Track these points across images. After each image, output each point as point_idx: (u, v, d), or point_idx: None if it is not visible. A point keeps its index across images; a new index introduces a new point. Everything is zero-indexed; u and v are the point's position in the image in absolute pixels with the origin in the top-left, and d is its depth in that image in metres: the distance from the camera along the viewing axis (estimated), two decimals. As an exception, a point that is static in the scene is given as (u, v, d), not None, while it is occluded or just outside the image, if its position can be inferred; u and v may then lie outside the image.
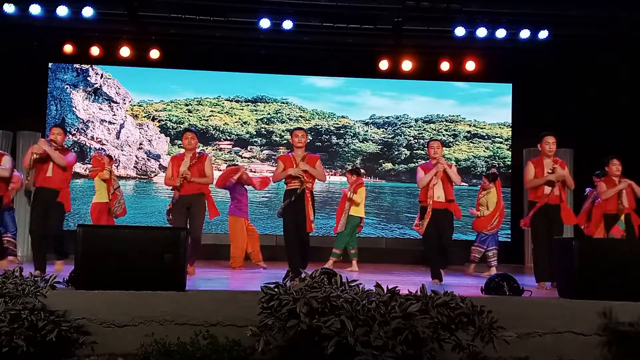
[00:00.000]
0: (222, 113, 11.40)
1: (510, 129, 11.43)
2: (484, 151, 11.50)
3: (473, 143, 11.56)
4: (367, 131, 11.55)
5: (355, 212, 8.56)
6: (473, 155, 11.49)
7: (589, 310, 4.69)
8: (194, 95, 11.41)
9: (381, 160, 11.55)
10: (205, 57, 10.87)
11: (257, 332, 3.88)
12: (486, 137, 11.55)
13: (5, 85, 9.84)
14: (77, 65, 10.99)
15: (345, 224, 8.54)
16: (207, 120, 11.31)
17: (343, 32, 9.59)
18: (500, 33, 9.26)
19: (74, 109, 11.00)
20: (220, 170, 10.81)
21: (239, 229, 8.30)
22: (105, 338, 4.37)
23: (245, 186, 8.46)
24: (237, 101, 11.52)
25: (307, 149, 6.79)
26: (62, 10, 8.79)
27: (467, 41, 9.58)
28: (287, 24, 9.14)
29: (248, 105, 11.53)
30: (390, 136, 11.55)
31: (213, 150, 11.14)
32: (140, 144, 11.19)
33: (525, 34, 9.29)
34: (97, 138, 11.03)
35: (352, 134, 11.50)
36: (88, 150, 10.96)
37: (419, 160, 10.97)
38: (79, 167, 10.91)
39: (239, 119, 11.42)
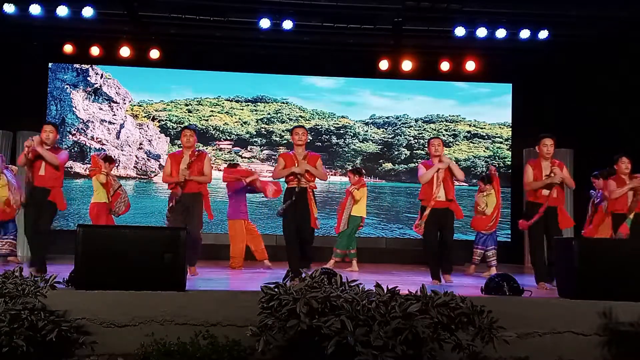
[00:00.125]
0: (222, 113, 11.40)
1: (510, 129, 11.43)
2: (484, 151, 11.50)
3: (473, 143, 11.56)
4: (367, 131, 11.55)
5: (356, 212, 8.57)
6: (473, 155, 11.49)
7: (589, 310, 4.69)
8: (194, 95, 11.41)
9: (381, 160, 11.55)
10: (205, 57, 10.88)
11: (257, 332, 3.88)
12: (486, 137, 11.55)
13: (5, 85, 9.84)
14: (77, 65, 10.99)
15: (346, 223, 8.55)
16: (207, 120, 11.31)
17: (343, 32, 9.59)
18: (500, 33, 9.26)
19: (74, 109, 11.00)
20: (221, 170, 10.83)
21: (239, 230, 8.32)
22: (105, 338, 4.37)
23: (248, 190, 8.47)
24: (237, 101, 11.52)
25: (307, 149, 6.78)
26: (62, 10, 8.80)
27: (467, 41, 9.59)
28: (287, 24, 9.14)
29: (248, 105, 11.53)
30: (390, 136, 11.55)
31: (213, 150, 11.14)
32: (140, 144, 11.19)
33: (525, 34, 9.30)
34: (97, 138, 11.03)
35: (352, 134, 11.50)
36: (88, 150, 10.96)
37: (419, 160, 10.95)
38: (79, 167, 10.92)
39: (239, 119, 11.42)
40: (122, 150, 11.08)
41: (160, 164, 11.11)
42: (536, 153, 6.59)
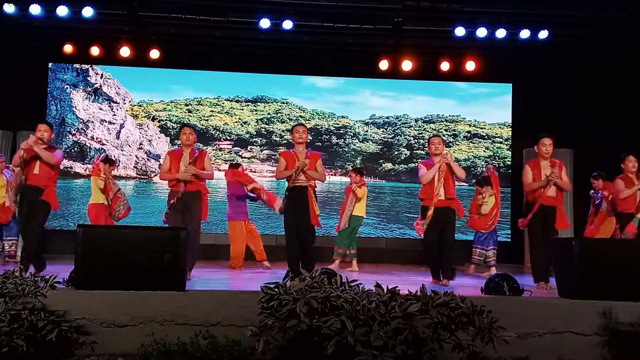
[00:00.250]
0: (222, 113, 11.40)
1: (510, 129, 11.44)
2: (484, 151, 11.51)
3: (473, 143, 11.56)
4: (367, 131, 11.55)
5: (358, 212, 8.58)
6: (473, 155, 11.49)
7: (589, 310, 4.69)
8: (194, 95, 11.41)
9: (381, 160, 11.55)
10: (205, 57, 10.88)
11: (257, 332, 3.88)
12: (486, 137, 11.55)
13: (5, 85, 9.84)
14: (77, 65, 10.99)
15: (347, 221, 8.56)
16: (207, 120, 11.31)
17: (343, 32, 9.59)
18: (500, 33, 9.27)
19: (74, 109, 11.00)
20: (221, 170, 10.83)
21: (239, 230, 8.33)
22: (105, 338, 4.37)
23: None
24: (237, 101, 11.52)
25: (308, 149, 6.75)
26: (62, 10, 8.80)
27: (467, 41, 9.59)
28: (287, 24, 9.14)
29: (248, 105, 11.53)
30: (390, 136, 11.55)
31: (213, 150, 11.14)
32: (140, 144, 11.19)
33: (525, 34, 9.30)
34: (97, 138, 11.03)
35: (352, 134, 11.50)
36: (88, 150, 10.96)
37: (419, 160, 10.95)
38: (79, 167, 10.92)
39: (239, 119, 11.42)
40: (122, 150, 11.08)
41: (160, 164, 11.12)
42: (536, 153, 6.59)
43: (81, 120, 11.01)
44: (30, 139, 6.37)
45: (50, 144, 6.58)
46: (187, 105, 11.37)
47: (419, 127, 11.58)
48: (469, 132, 11.60)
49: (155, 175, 11.05)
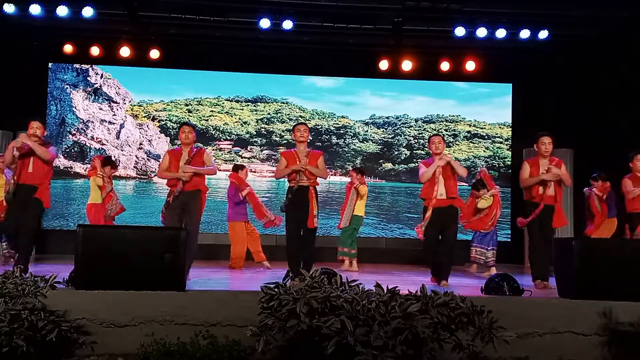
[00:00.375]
0: (222, 113, 11.40)
1: (510, 129, 11.44)
2: (484, 151, 11.51)
3: (473, 143, 11.56)
4: (367, 131, 11.55)
5: (359, 212, 8.59)
6: (473, 155, 11.49)
7: (589, 310, 4.69)
8: (194, 95, 11.41)
9: (381, 160, 11.55)
10: (205, 57, 10.88)
11: (257, 332, 3.88)
12: (486, 137, 11.55)
13: (5, 85, 9.84)
14: (77, 65, 10.99)
15: (349, 220, 8.55)
16: (207, 120, 11.31)
17: (343, 32, 9.58)
18: (500, 33, 9.26)
19: (74, 109, 11.00)
20: (220, 170, 10.82)
21: (239, 231, 8.34)
22: (105, 338, 4.37)
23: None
24: (237, 101, 11.52)
25: (308, 148, 6.74)
26: (62, 10, 8.79)
27: (467, 41, 9.58)
28: (287, 24, 9.14)
29: (248, 105, 11.53)
30: (390, 136, 11.55)
31: (213, 150, 11.14)
32: (140, 144, 11.19)
33: (525, 34, 9.30)
34: (97, 138, 11.03)
35: (352, 134, 11.50)
36: (88, 150, 10.96)
37: (419, 160, 10.96)
38: (79, 167, 10.92)
39: (239, 119, 11.42)
40: (122, 150, 11.08)
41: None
42: (536, 153, 6.59)
43: (81, 120, 11.01)
44: (22, 135, 6.25)
45: (43, 140, 6.44)
46: (187, 105, 11.37)
47: (419, 127, 11.58)
48: (469, 132, 11.60)
49: (155, 175, 11.03)
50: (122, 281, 4.59)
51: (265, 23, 9.10)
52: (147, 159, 11.17)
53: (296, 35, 9.81)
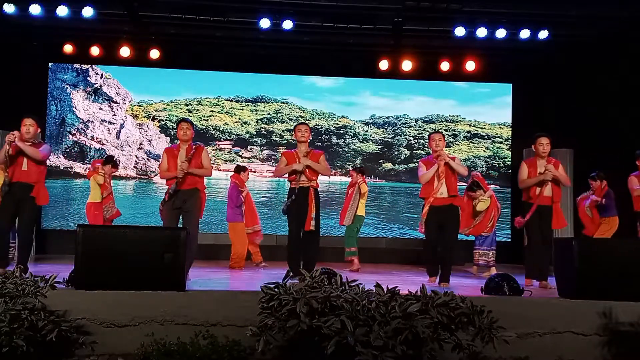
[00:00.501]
0: (222, 113, 11.40)
1: (510, 129, 11.44)
2: (484, 151, 11.51)
3: (473, 143, 11.56)
4: (367, 131, 11.55)
5: (360, 212, 8.59)
6: (473, 155, 11.49)
7: (589, 310, 4.70)
8: (194, 95, 11.41)
9: (381, 160, 11.55)
10: (205, 57, 10.87)
11: (257, 332, 3.88)
12: (486, 137, 11.55)
13: (5, 85, 9.83)
14: (77, 65, 10.99)
15: (352, 218, 8.54)
16: (207, 120, 11.31)
17: (343, 32, 9.58)
18: (500, 33, 9.26)
19: (74, 109, 11.00)
20: (221, 170, 10.84)
21: (239, 231, 8.35)
22: (105, 338, 4.37)
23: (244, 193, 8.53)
24: (237, 101, 11.52)
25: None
26: (62, 10, 8.79)
27: (467, 41, 9.58)
28: (287, 24, 9.14)
29: (248, 105, 11.53)
30: (390, 136, 11.55)
31: (213, 150, 11.14)
32: (140, 144, 11.19)
33: (525, 34, 9.29)
34: (97, 138, 11.03)
35: (352, 134, 11.50)
36: (88, 150, 10.96)
37: (419, 160, 10.97)
38: (79, 167, 10.92)
39: (239, 119, 11.42)
40: (122, 150, 11.08)
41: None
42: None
43: (81, 120, 11.01)
44: (14, 134, 6.15)
45: (37, 139, 6.39)
46: (187, 105, 11.37)
47: (419, 127, 11.58)
48: (469, 132, 11.60)
49: (155, 175, 11.04)
50: (122, 281, 4.59)
51: (265, 23, 9.09)
52: (147, 159, 11.17)
53: (296, 35, 9.80)
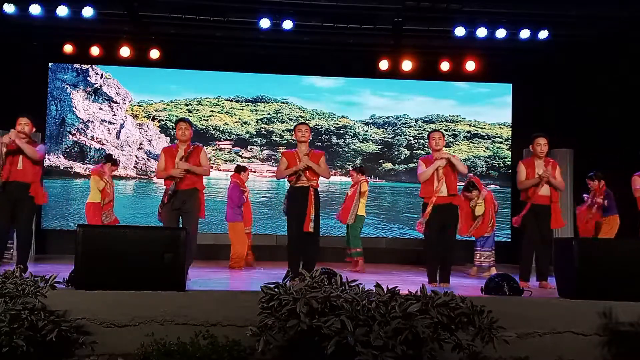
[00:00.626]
0: (222, 113, 11.40)
1: (510, 129, 11.44)
2: (484, 151, 11.51)
3: (473, 143, 11.56)
4: (367, 131, 11.55)
5: (361, 212, 8.59)
6: (473, 155, 11.49)
7: (589, 310, 4.69)
8: (194, 95, 11.41)
9: (381, 160, 11.55)
10: (205, 57, 10.87)
11: (257, 332, 3.88)
12: (486, 137, 11.55)
13: (5, 85, 9.83)
14: (77, 65, 10.99)
15: (354, 217, 8.53)
16: (207, 120, 11.31)
17: (343, 32, 9.58)
18: (500, 33, 9.26)
19: (74, 109, 11.00)
20: (220, 170, 10.84)
21: (239, 231, 8.36)
22: (105, 338, 4.37)
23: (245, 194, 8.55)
24: (237, 101, 11.52)
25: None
26: (62, 10, 8.79)
27: (467, 41, 9.58)
28: (287, 24, 9.14)
29: (248, 105, 11.53)
30: (390, 136, 11.55)
31: (213, 150, 11.14)
32: (140, 144, 11.19)
33: (525, 34, 9.29)
34: (97, 138, 11.03)
35: (352, 134, 11.50)
36: (88, 150, 10.96)
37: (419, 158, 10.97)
38: (79, 167, 10.92)
39: (239, 119, 11.42)
40: (122, 150, 11.08)
41: (160, 164, 11.11)
42: (536, 153, 6.61)
43: (81, 120, 11.01)
44: (11, 132, 6.14)
45: (30, 138, 6.35)
46: (187, 105, 11.37)
47: (419, 127, 11.58)
48: (469, 132, 11.60)
49: (155, 175, 11.04)
50: (122, 281, 4.59)
51: (265, 23, 9.09)
52: (147, 159, 11.17)
53: (296, 35, 9.80)
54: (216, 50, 10.71)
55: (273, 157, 11.24)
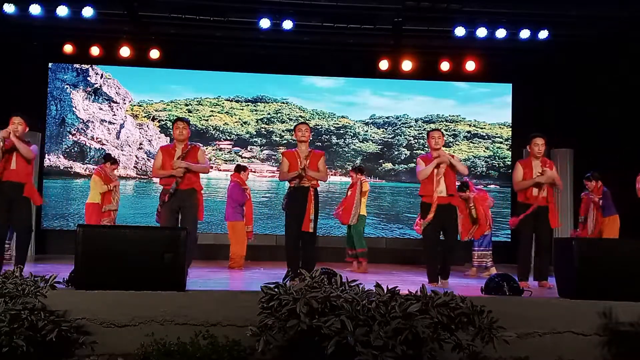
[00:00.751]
0: (222, 113, 11.40)
1: (510, 129, 11.44)
2: (484, 151, 11.51)
3: (473, 143, 11.56)
4: (367, 131, 11.55)
5: (362, 211, 8.59)
6: (473, 155, 11.49)
7: (589, 310, 4.69)
8: (194, 95, 11.41)
9: (381, 160, 11.55)
10: (205, 57, 10.88)
11: (257, 332, 3.88)
12: (486, 137, 11.55)
13: (5, 85, 9.83)
14: (77, 65, 11.00)
15: (356, 218, 8.52)
16: (207, 120, 11.31)
17: (343, 32, 9.59)
18: (500, 33, 9.26)
19: (74, 109, 11.00)
20: (220, 170, 10.84)
21: (239, 231, 8.36)
22: (105, 338, 4.37)
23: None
24: (237, 101, 11.52)
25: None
26: (62, 10, 8.79)
27: (467, 41, 9.58)
28: (287, 24, 9.14)
29: (248, 105, 11.53)
30: (390, 136, 11.55)
31: (213, 150, 11.14)
32: (140, 144, 11.19)
33: (525, 34, 9.30)
34: (97, 138, 11.03)
35: (352, 134, 11.50)
36: (88, 150, 10.96)
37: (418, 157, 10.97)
38: (79, 167, 10.92)
39: (239, 119, 11.42)
40: (122, 150, 11.08)
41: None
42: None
43: (81, 120, 11.01)
44: (4, 131, 6.06)
45: (24, 137, 6.27)
46: (187, 105, 11.37)
47: (419, 127, 11.58)
48: (469, 132, 11.60)
49: (155, 175, 11.04)
50: (122, 281, 4.59)
51: (265, 23, 9.10)
52: (147, 159, 11.17)
53: (296, 35, 9.81)
54: (216, 50, 10.71)
55: (273, 157, 11.24)
